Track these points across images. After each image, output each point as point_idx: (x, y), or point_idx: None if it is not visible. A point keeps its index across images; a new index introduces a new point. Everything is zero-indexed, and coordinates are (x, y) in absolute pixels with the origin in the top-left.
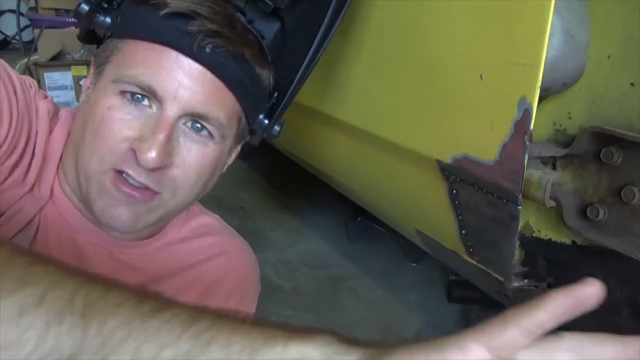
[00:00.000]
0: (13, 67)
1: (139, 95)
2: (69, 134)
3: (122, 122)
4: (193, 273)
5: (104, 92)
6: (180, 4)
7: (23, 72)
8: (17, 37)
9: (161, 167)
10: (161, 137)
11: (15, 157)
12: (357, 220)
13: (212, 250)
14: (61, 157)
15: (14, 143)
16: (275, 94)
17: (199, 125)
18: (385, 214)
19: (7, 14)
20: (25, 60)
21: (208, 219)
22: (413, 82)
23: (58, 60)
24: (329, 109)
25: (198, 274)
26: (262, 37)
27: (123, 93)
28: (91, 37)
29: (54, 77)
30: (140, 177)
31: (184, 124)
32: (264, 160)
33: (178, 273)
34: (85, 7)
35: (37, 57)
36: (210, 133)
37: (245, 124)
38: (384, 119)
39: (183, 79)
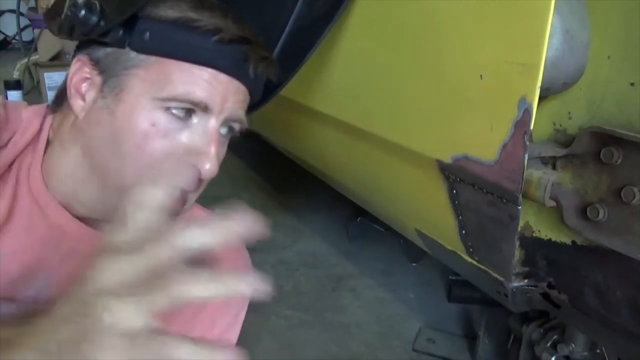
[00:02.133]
0: (13, 67)
1: (185, 112)
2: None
3: (168, 137)
4: None
5: (139, 107)
6: (215, 22)
7: (23, 72)
8: (17, 37)
9: None
10: (215, 149)
11: None
12: (357, 220)
13: None
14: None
15: None
16: None
17: (228, 128)
18: (385, 214)
19: (7, 14)
20: (25, 60)
21: (200, 212)
22: (413, 82)
23: (58, 60)
24: (329, 109)
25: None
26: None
27: (170, 110)
28: (72, 34)
29: (53, 77)
30: (190, 187)
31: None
32: (263, 160)
33: None
34: (93, 19)
35: (37, 57)
36: (233, 131)
37: None
38: (384, 119)
39: (226, 93)
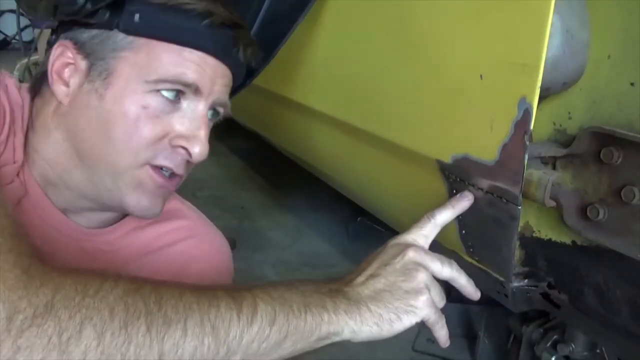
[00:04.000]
0: (13, 67)
1: (175, 94)
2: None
3: (159, 120)
4: (161, 257)
5: (129, 90)
6: (205, 6)
7: (23, 72)
8: (17, 37)
9: None
10: (205, 132)
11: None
12: (357, 220)
13: (181, 234)
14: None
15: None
16: None
17: (214, 112)
18: (385, 214)
19: (7, 14)
20: (25, 60)
21: (177, 203)
22: (413, 82)
23: None
24: (329, 109)
25: (166, 258)
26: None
27: (160, 92)
28: (55, 13)
29: None
30: (180, 170)
31: None
32: (263, 160)
33: (145, 257)
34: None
35: (37, 57)
36: (218, 115)
37: None
38: (384, 119)
39: (214, 76)
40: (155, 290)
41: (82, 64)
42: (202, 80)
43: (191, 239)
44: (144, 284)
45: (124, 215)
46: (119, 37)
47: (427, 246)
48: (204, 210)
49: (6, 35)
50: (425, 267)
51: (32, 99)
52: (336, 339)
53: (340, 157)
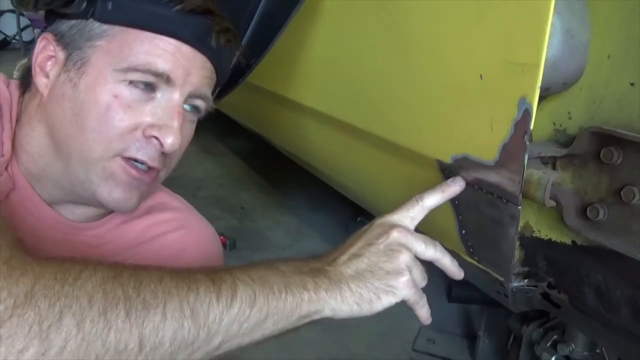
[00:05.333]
0: (13, 67)
1: (146, 82)
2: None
3: (131, 109)
4: (150, 247)
5: (102, 79)
6: None
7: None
8: (17, 37)
9: None
10: (178, 122)
11: None
12: (357, 220)
13: (170, 225)
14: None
15: None
16: None
17: (193, 105)
18: (385, 214)
19: (7, 14)
20: (25, 60)
21: (165, 197)
22: (413, 82)
23: None
24: (330, 109)
25: (155, 249)
26: None
27: (132, 81)
28: (37, 4)
29: None
30: (154, 162)
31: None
32: (263, 160)
33: (134, 248)
34: None
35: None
36: (198, 110)
37: None
38: (385, 119)
39: (189, 66)
40: (134, 275)
41: (61, 55)
42: (175, 69)
43: (180, 230)
44: (123, 270)
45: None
46: (95, 26)
47: (412, 227)
48: (204, 210)
49: (6, 35)
50: (409, 248)
51: (23, 94)
52: (317, 317)
53: (340, 157)
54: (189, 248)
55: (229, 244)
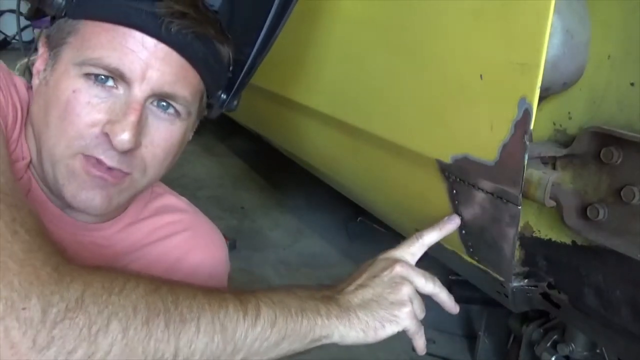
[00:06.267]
0: (13, 67)
1: (103, 77)
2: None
3: (89, 105)
4: (157, 249)
5: (65, 74)
6: None
7: (23, 72)
8: (17, 37)
9: (133, 148)
10: (133, 118)
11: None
12: (357, 220)
13: (176, 227)
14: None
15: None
16: (231, 68)
17: (164, 104)
18: (385, 214)
19: (7, 14)
20: (25, 60)
21: (172, 199)
22: (413, 82)
23: None
24: (330, 109)
25: (162, 250)
26: (216, 12)
27: (88, 75)
28: (39, 14)
29: None
30: (112, 161)
31: (151, 103)
32: (264, 161)
33: (141, 249)
34: None
35: (37, 57)
36: (176, 111)
37: (206, 100)
38: (385, 119)
39: (150, 60)
40: (171, 290)
41: (46, 55)
42: (129, 64)
43: (186, 232)
44: (162, 284)
45: (122, 210)
46: (68, 23)
47: (413, 263)
48: (204, 210)
49: (6, 35)
50: (410, 282)
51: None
52: (326, 341)
53: (340, 157)
54: (195, 249)
55: (229, 243)
